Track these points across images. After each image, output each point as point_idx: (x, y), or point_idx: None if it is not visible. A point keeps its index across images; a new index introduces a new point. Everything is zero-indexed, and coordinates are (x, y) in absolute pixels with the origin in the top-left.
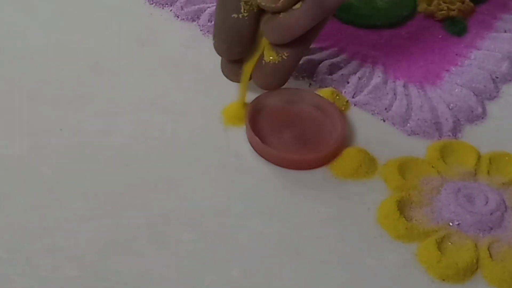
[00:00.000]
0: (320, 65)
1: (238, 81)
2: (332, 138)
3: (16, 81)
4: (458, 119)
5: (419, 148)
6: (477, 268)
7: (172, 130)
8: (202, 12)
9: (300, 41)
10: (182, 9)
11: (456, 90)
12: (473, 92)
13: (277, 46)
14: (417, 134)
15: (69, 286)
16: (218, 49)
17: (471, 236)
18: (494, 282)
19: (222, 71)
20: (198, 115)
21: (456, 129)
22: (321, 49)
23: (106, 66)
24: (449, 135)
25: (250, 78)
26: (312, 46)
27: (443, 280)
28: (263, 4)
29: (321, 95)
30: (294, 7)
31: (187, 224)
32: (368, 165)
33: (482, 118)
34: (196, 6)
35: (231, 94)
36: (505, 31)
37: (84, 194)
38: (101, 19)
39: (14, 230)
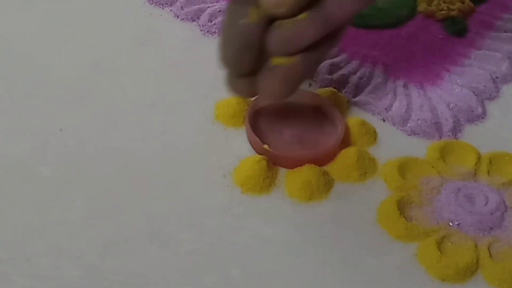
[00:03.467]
0: (320, 65)
1: (247, 96)
2: (332, 138)
3: (16, 81)
4: (458, 119)
5: (419, 148)
6: (477, 268)
7: (172, 130)
8: (202, 12)
9: (311, 49)
10: (182, 9)
11: (456, 90)
12: (473, 92)
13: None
14: (417, 134)
15: (69, 286)
16: (225, 59)
17: (471, 236)
18: (494, 282)
19: (229, 87)
20: (198, 115)
21: (456, 129)
22: None
23: (106, 66)
24: (449, 135)
25: None
26: None
27: (443, 280)
28: (268, 9)
29: (321, 95)
30: (300, 17)
31: (187, 224)
32: (368, 165)
33: (482, 118)
34: (196, 6)
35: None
36: (505, 31)
37: (84, 194)
38: (101, 19)
39: (14, 230)
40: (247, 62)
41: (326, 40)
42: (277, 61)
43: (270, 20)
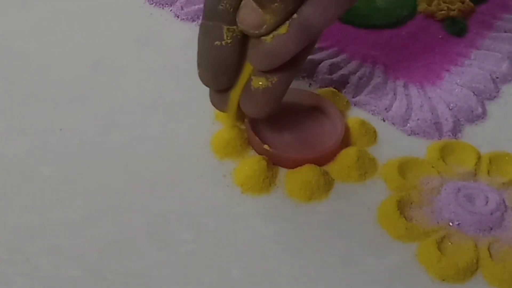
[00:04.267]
0: (320, 65)
1: (228, 111)
2: (332, 138)
3: (16, 81)
4: (458, 119)
5: (419, 148)
6: (477, 268)
7: (172, 130)
8: (202, 12)
9: (289, 65)
10: (182, 9)
11: (456, 90)
12: (473, 92)
13: (265, 71)
14: (417, 134)
15: (69, 286)
16: (203, 79)
17: (471, 236)
18: (494, 282)
19: (211, 101)
20: (198, 115)
21: (456, 129)
22: (321, 49)
23: (106, 66)
24: (449, 135)
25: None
26: None
27: (443, 280)
28: (246, 30)
29: (321, 95)
30: (279, 32)
31: (187, 224)
32: (368, 165)
33: (482, 118)
34: (196, 6)
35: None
36: (505, 31)
37: (84, 194)
38: (101, 19)
39: (14, 230)
40: (225, 82)
41: (305, 50)
42: (257, 83)
43: (245, 38)
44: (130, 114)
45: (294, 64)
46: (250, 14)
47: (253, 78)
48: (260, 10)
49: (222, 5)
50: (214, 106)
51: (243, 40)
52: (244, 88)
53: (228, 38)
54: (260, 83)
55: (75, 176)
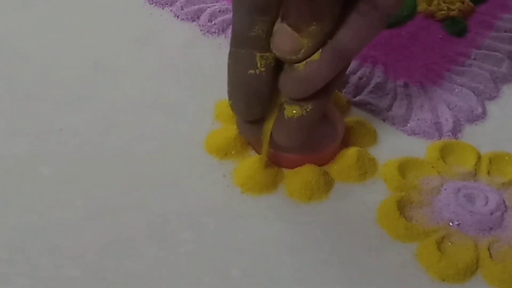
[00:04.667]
0: None
1: (257, 141)
2: (332, 138)
3: (16, 81)
4: (458, 119)
5: (419, 148)
6: (477, 268)
7: (172, 130)
8: (202, 12)
9: (322, 91)
10: (182, 9)
11: (456, 90)
12: (473, 92)
13: (299, 99)
14: (417, 134)
15: (69, 286)
16: (236, 110)
17: (471, 236)
18: (494, 282)
19: (240, 132)
20: (198, 115)
21: (456, 129)
22: None
23: (106, 66)
24: (449, 135)
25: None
26: None
27: (443, 280)
28: (283, 56)
29: None
30: (313, 58)
31: (187, 224)
32: (368, 165)
33: (482, 118)
34: (196, 6)
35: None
36: (505, 31)
37: (84, 194)
38: (101, 19)
39: (14, 230)
40: (258, 112)
41: (338, 74)
42: (291, 112)
43: (278, 64)
44: (130, 114)
45: (327, 90)
46: (286, 39)
47: (287, 107)
48: (296, 34)
49: (254, 31)
50: (245, 137)
51: (277, 67)
52: (277, 118)
53: (262, 66)
54: (294, 111)
55: (75, 176)
